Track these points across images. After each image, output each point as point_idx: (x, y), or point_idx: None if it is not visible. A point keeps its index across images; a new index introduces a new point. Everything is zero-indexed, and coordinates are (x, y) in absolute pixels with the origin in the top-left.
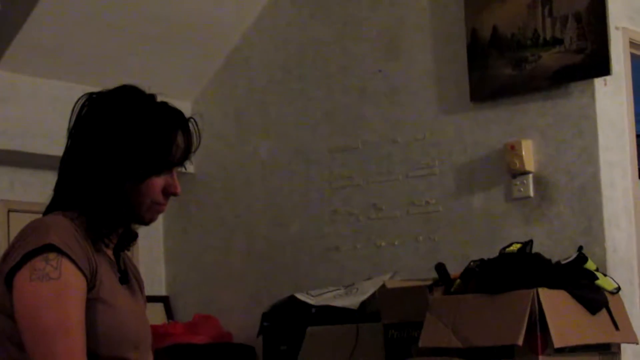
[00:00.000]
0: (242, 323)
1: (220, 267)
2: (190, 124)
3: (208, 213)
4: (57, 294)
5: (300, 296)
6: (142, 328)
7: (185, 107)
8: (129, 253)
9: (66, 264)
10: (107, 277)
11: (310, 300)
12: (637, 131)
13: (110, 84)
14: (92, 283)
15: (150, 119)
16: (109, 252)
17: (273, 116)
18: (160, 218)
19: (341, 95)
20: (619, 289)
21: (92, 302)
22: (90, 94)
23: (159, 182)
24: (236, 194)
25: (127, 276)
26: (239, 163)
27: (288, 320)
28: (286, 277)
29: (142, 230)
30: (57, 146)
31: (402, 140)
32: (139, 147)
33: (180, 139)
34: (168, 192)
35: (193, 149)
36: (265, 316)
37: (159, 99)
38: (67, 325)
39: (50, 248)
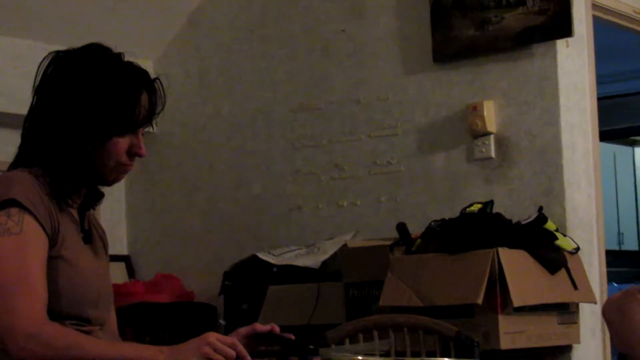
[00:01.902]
0: (203, 282)
1: (182, 226)
2: (155, 85)
3: (170, 172)
4: (17, 248)
5: (262, 255)
6: (103, 287)
7: (148, 67)
8: (93, 212)
9: (28, 219)
10: (70, 235)
11: (272, 260)
12: (598, 94)
13: (72, 42)
14: (53, 240)
15: (115, 78)
16: (74, 212)
17: (236, 76)
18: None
19: (304, 55)
20: (578, 249)
21: (53, 260)
22: (57, 52)
23: (123, 142)
24: (198, 153)
25: (91, 235)
26: (202, 123)
27: (249, 279)
28: (248, 237)
29: (103, 190)
30: (18, 105)
31: (365, 100)
32: (103, 107)
33: (145, 100)
34: (133, 153)
35: (158, 110)
36: (226, 275)
37: (125, 58)
38: (27, 279)
39: (13, 203)
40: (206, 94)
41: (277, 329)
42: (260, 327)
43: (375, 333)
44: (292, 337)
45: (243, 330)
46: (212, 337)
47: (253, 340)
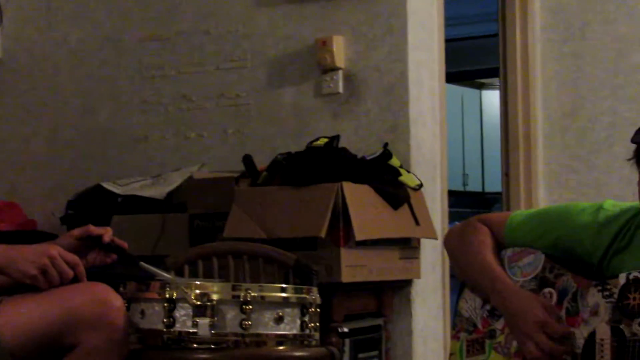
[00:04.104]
0: (46, 211)
1: (26, 154)
2: None
3: (14, 98)
4: None
5: (107, 185)
6: None
7: None
8: None
9: None
10: None
11: (117, 190)
12: (447, 35)
13: None
14: None
15: None
16: None
17: (84, 2)
18: None
19: None
20: (421, 185)
21: None
22: None
23: None
24: (43, 81)
25: None
26: (48, 49)
27: (93, 208)
28: (93, 166)
29: None
30: None
31: (215, 31)
32: None
33: None
34: None
35: None
36: (70, 204)
37: None
38: None
39: None
40: (53, 19)
41: (109, 233)
42: (94, 229)
43: (215, 260)
44: (125, 245)
45: (76, 231)
46: (55, 251)
47: (86, 242)
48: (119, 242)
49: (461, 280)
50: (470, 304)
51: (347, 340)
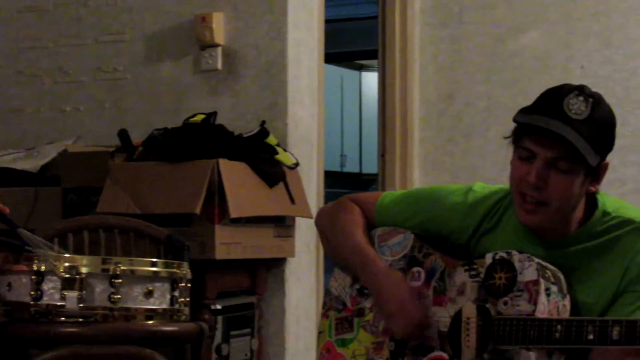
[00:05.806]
0: None
1: None
2: None
3: None
4: None
5: None
6: None
7: None
8: None
9: None
10: None
11: None
12: (327, 16)
13: None
14: None
15: None
16: None
17: None
18: None
19: None
20: (297, 164)
21: None
22: None
23: None
24: None
25: None
26: None
27: None
28: None
29: None
30: None
31: (93, 4)
32: None
33: None
34: None
35: None
36: None
37: None
38: None
39: None
40: None
41: None
42: None
43: (86, 234)
44: (7, 210)
45: None
46: None
47: None
48: (0, 207)
49: (331, 258)
50: (340, 283)
51: (219, 318)
